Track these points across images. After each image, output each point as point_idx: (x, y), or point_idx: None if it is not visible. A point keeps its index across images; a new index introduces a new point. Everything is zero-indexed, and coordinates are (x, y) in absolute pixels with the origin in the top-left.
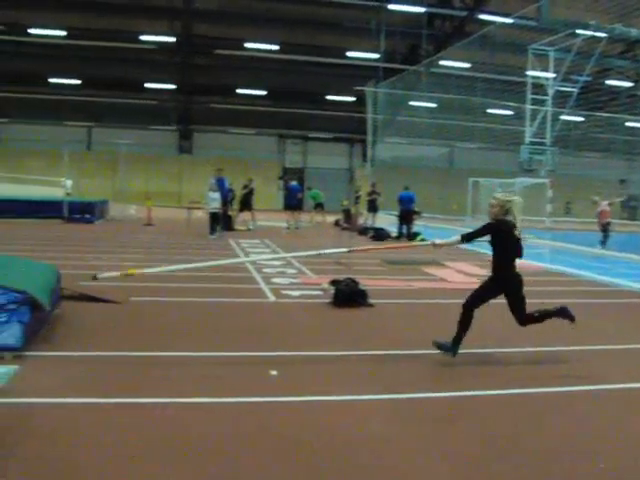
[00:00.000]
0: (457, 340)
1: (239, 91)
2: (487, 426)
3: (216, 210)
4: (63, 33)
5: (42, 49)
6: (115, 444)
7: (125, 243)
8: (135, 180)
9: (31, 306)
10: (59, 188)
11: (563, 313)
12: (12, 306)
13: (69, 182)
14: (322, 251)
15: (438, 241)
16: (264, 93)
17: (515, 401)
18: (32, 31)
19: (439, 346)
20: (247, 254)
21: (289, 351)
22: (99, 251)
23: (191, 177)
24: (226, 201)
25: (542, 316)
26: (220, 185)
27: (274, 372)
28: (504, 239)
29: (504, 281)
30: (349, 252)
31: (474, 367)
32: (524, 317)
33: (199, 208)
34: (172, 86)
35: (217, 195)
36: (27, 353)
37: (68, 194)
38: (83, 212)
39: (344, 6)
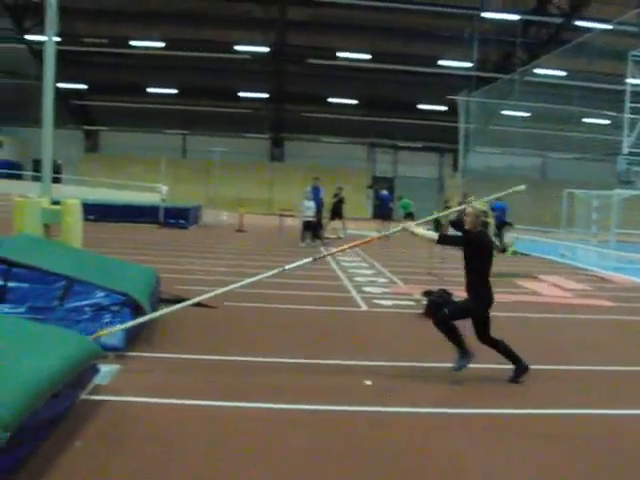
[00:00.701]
0: (461, 353)
1: (331, 100)
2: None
3: (310, 219)
4: (162, 45)
5: (142, 60)
6: (213, 446)
7: (218, 248)
8: (227, 187)
9: (133, 308)
10: (155, 194)
11: (519, 369)
12: (115, 308)
13: (165, 188)
14: (286, 267)
15: (412, 226)
16: (355, 102)
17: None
18: (133, 43)
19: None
20: (338, 263)
21: (383, 361)
22: (193, 256)
23: (282, 185)
24: (320, 210)
25: (504, 352)
26: (315, 194)
27: (369, 382)
28: (482, 253)
29: (477, 299)
30: (314, 261)
31: (546, 383)
32: (485, 339)
33: (290, 216)
34: (265, 95)
35: (312, 204)
36: (128, 353)
37: (163, 200)
38: (178, 217)
39: (437, 15)
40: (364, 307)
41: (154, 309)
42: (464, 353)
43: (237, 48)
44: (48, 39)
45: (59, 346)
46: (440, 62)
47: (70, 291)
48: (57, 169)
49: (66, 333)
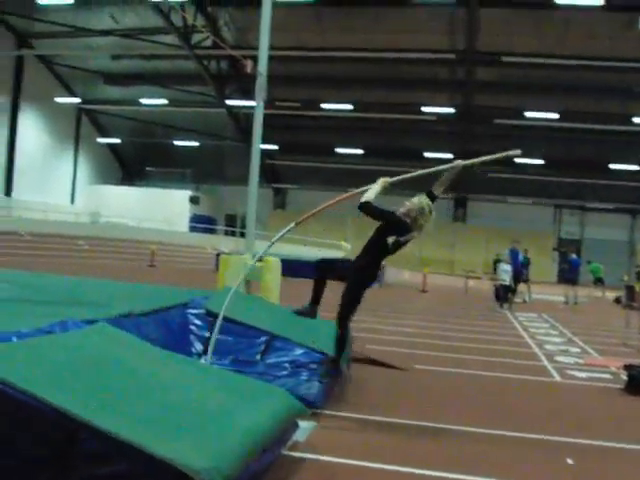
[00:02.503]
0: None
1: (518, 160)
2: None
3: (507, 283)
4: (350, 107)
5: (330, 122)
6: None
7: (403, 309)
8: (409, 246)
9: (330, 366)
10: (337, 250)
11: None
12: (313, 365)
13: (348, 245)
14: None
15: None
16: (542, 162)
17: None
18: (324, 106)
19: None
20: (525, 328)
21: (583, 439)
22: (378, 314)
23: (464, 245)
24: (518, 274)
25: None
26: (513, 257)
27: (570, 461)
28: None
29: (360, 270)
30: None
31: None
32: (342, 313)
33: (476, 277)
34: (449, 155)
35: (509, 267)
36: (324, 411)
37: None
38: None
39: (628, 70)
40: (557, 378)
41: (347, 367)
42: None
43: (423, 109)
44: (257, 104)
45: (268, 401)
46: (635, 119)
47: (271, 347)
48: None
49: (272, 388)
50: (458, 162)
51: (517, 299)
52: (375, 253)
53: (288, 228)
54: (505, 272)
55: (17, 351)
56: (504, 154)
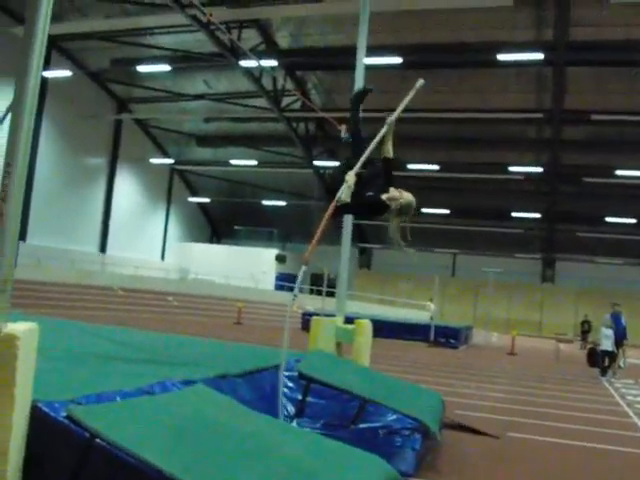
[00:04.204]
0: None
1: (607, 219)
2: None
3: (609, 348)
4: (436, 167)
5: (416, 182)
6: None
7: (491, 371)
8: (496, 307)
9: (423, 433)
10: (423, 311)
11: None
12: (406, 432)
13: (433, 306)
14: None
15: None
16: (634, 221)
17: None
18: (410, 166)
19: None
20: (622, 396)
21: None
22: (466, 378)
23: (552, 306)
24: (620, 339)
25: None
26: (616, 321)
27: None
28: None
29: None
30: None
31: None
32: None
33: (567, 341)
34: (537, 215)
35: (610, 332)
36: None
37: (432, 318)
38: (448, 337)
39: None
40: None
41: (440, 434)
42: None
43: (510, 169)
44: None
45: (362, 467)
46: None
47: (363, 411)
48: (332, 284)
49: (365, 454)
50: (390, 119)
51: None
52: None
53: (302, 270)
54: (606, 337)
55: (122, 411)
56: (413, 90)
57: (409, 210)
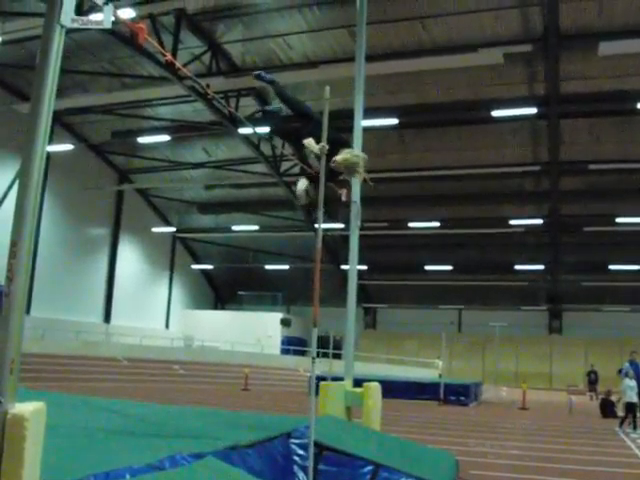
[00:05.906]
0: None
1: (611, 267)
2: None
3: (633, 400)
4: (437, 224)
5: (418, 239)
6: None
7: (503, 428)
8: (504, 361)
9: None
10: (430, 369)
11: None
12: None
13: (440, 363)
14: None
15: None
16: (636, 268)
17: None
18: (411, 224)
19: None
20: (634, 441)
21: None
22: (479, 436)
23: (561, 358)
24: None
25: None
26: (636, 370)
27: None
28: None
29: None
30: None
31: None
32: None
33: (580, 393)
34: (540, 267)
35: (633, 383)
36: None
37: (440, 375)
38: (458, 394)
39: None
40: None
41: None
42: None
43: (511, 222)
44: (352, 231)
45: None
46: None
47: (377, 476)
48: (338, 345)
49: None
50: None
51: (622, 413)
52: None
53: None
54: (630, 388)
55: None
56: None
57: (356, 167)
